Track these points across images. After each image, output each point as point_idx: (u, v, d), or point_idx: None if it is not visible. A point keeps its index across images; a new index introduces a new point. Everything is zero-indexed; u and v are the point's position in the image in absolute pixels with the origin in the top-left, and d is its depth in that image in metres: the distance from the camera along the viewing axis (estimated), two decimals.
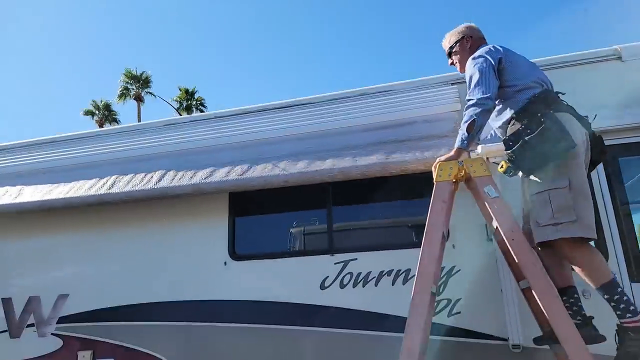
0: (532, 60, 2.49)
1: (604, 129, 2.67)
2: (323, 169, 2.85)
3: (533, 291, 1.88)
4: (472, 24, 2.59)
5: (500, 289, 2.55)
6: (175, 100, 34.46)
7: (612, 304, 1.97)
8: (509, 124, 2.25)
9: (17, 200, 3.45)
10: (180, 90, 34.55)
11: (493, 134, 2.61)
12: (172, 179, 3.12)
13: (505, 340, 2.50)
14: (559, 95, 2.30)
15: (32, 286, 3.41)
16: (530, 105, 2.17)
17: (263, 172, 2.95)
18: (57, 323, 3.31)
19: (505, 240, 1.98)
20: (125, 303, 3.21)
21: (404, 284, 2.73)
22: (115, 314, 3.21)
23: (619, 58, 2.80)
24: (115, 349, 3.14)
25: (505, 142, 2.19)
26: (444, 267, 2.70)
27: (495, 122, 2.37)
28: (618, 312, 1.96)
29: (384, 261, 2.82)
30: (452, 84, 3.08)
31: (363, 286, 2.84)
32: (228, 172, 3.03)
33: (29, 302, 3.39)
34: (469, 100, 2.24)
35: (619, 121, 2.68)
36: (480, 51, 2.34)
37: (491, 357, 2.54)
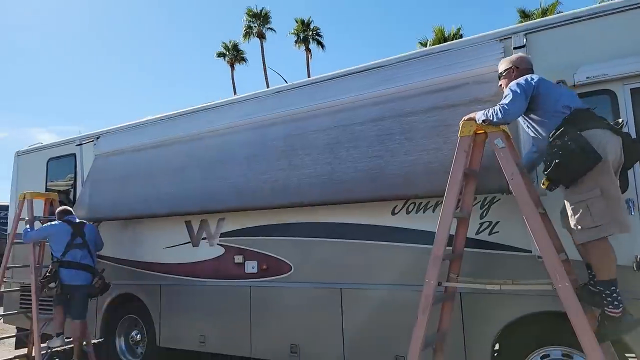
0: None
1: (631, 73, 2.97)
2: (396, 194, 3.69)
3: (523, 216, 2.58)
4: (524, 56, 3.06)
5: None
6: (292, 34, 35.78)
7: (605, 295, 2.55)
8: (548, 143, 2.70)
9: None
10: (297, 22, 35.61)
11: (531, 144, 3.11)
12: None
13: (530, 252, 3.20)
14: (590, 111, 2.71)
15: (202, 213, 5.03)
16: (560, 129, 2.61)
17: (345, 195, 3.89)
18: (219, 237, 4.92)
19: (507, 179, 2.67)
20: (263, 224, 4.61)
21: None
22: (257, 231, 4.64)
23: None
24: (258, 255, 4.60)
25: (544, 162, 2.67)
26: (486, 197, 3.43)
27: (536, 139, 2.92)
28: (605, 302, 2.54)
29: None
30: (500, 40, 3.50)
31: (424, 212, 3.72)
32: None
33: (201, 223, 5.06)
34: (500, 105, 2.78)
35: None
36: (521, 78, 2.84)
37: (521, 264, 3.26)
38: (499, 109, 2.75)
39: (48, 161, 6.53)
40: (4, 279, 5.86)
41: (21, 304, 6.19)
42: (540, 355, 3.22)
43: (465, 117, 2.93)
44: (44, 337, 5.38)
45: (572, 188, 2.61)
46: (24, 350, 5.92)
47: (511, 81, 2.92)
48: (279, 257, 4.47)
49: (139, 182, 5.40)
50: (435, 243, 2.86)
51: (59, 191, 6.20)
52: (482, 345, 3.36)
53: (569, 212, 2.67)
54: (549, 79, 3.18)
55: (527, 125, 2.97)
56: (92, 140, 6.07)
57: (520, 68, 2.98)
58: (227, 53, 37.71)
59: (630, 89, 3.02)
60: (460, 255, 3.14)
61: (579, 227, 2.59)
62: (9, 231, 6.36)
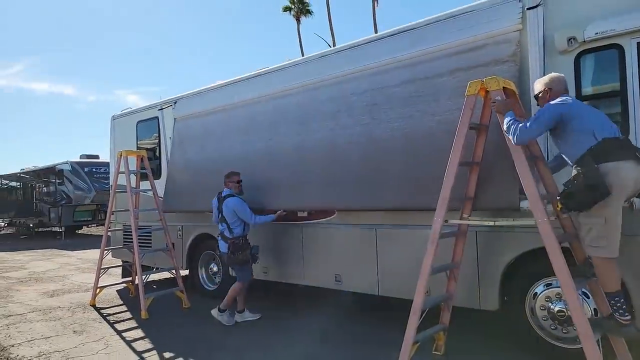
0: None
1: (638, 27, 3.16)
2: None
3: (514, 161, 2.99)
4: (558, 77, 3.16)
5: None
6: None
7: (612, 303, 2.92)
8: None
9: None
10: None
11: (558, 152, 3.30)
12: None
13: None
14: (619, 139, 2.86)
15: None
16: (582, 158, 2.83)
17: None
18: None
19: (503, 131, 3.07)
20: None
21: None
22: None
23: None
24: None
25: (563, 184, 2.90)
26: None
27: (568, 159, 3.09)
28: (614, 309, 2.90)
29: None
30: None
31: None
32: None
33: None
34: (523, 125, 2.96)
35: None
36: (555, 102, 3.00)
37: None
38: (519, 130, 2.96)
39: (137, 123, 7.72)
40: (110, 221, 7.22)
41: (124, 240, 7.62)
42: (545, 283, 3.68)
43: (495, 108, 3.19)
44: (144, 268, 6.68)
45: (583, 211, 2.86)
46: (129, 278, 7.39)
47: (546, 102, 3.09)
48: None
49: (211, 143, 6.30)
50: (443, 187, 3.36)
51: (147, 149, 7.35)
52: (493, 274, 3.86)
53: (579, 227, 2.99)
54: (562, 34, 3.44)
55: (555, 143, 3.18)
56: (171, 105, 7.07)
57: (554, 89, 3.11)
58: (293, 6, 37.58)
59: (638, 43, 3.17)
60: (471, 198, 3.62)
61: (584, 242, 2.95)
62: (110, 183, 7.70)
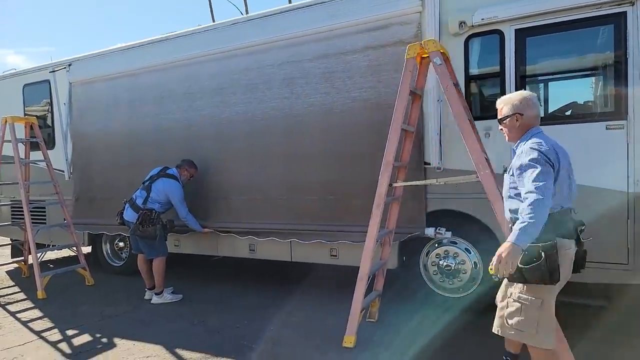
0: None
1: (516, 15, 3.54)
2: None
3: (455, 119, 3.18)
4: (529, 98, 2.43)
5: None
6: None
7: None
8: None
9: None
10: None
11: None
12: None
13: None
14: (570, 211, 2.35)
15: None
16: (544, 231, 2.15)
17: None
18: None
19: (443, 90, 3.29)
20: None
21: None
22: None
23: None
24: None
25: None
26: None
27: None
28: None
29: None
30: None
31: None
32: None
33: None
34: (537, 192, 2.14)
35: (525, 9, 3.52)
36: (541, 148, 2.24)
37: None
38: (539, 204, 2.13)
39: (24, 87, 6.90)
40: None
41: (13, 217, 6.91)
42: (435, 242, 4.15)
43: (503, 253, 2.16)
44: (38, 245, 6.13)
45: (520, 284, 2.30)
46: (21, 258, 6.75)
47: (515, 130, 2.45)
48: None
49: (118, 113, 5.88)
50: (386, 151, 3.43)
51: (36, 116, 6.64)
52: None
53: (507, 301, 2.41)
54: (454, 18, 3.77)
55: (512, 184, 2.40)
56: (65, 67, 6.39)
57: (525, 115, 2.41)
58: None
59: (515, 30, 3.62)
60: (405, 164, 3.78)
61: (506, 320, 2.39)
62: None
